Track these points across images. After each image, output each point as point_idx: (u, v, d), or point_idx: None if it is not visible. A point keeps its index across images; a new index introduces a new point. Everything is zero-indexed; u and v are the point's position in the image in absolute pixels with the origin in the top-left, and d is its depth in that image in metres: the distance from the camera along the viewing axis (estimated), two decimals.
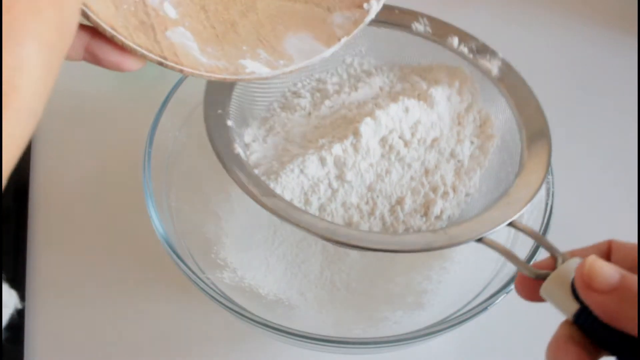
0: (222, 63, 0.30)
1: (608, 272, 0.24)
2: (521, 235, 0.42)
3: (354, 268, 0.43)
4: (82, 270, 0.46)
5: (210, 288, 0.36)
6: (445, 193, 0.40)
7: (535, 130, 0.40)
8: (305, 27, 0.34)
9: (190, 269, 0.37)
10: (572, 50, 0.64)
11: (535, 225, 0.40)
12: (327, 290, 0.42)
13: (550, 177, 0.42)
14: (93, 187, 0.50)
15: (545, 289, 0.28)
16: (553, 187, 0.42)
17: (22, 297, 0.44)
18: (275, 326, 0.35)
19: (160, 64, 0.28)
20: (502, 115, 0.42)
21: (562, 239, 0.48)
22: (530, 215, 0.42)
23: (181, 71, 0.28)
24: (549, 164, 0.38)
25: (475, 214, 0.36)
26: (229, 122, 0.38)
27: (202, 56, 0.30)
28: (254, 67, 0.31)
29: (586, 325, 0.26)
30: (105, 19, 0.26)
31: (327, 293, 0.42)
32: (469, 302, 0.38)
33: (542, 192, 0.42)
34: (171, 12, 0.30)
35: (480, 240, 0.33)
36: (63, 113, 0.56)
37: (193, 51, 0.29)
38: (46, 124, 0.55)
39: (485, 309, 0.36)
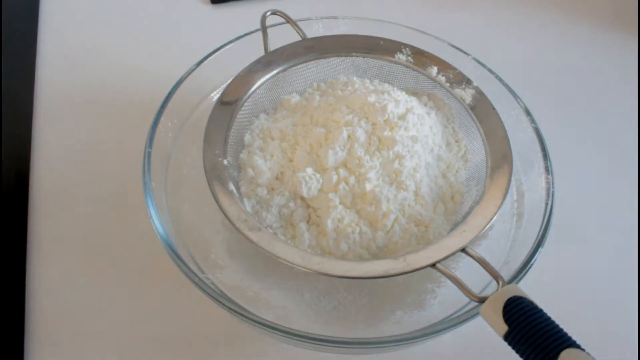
0: None
1: None
2: (522, 232, 0.42)
3: None
4: (82, 271, 0.46)
5: (210, 288, 0.36)
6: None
7: (499, 160, 0.41)
8: None
9: (190, 269, 0.37)
10: (572, 50, 0.64)
11: (535, 225, 0.41)
12: (327, 290, 0.42)
13: (550, 177, 0.42)
14: (93, 187, 0.50)
15: (482, 311, 0.33)
16: (553, 187, 0.42)
17: (22, 296, 0.44)
18: (275, 326, 0.35)
19: None
20: (474, 140, 0.45)
21: (562, 239, 0.48)
22: (531, 214, 0.42)
23: None
24: (505, 194, 0.39)
25: (433, 242, 0.39)
26: (225, 162, 0.41)
27: None
28: None
29: (513, 344, 0.31)
30: None
31: (327, 293, 0.42)
32: (469, 302, 0.38)
33: (542, 192, 0.42)
34: None
35: (433, 266, 0.36)
36: (63, 113, 0.56)
37: None
38: (46, 124, 0.55)
39: None
